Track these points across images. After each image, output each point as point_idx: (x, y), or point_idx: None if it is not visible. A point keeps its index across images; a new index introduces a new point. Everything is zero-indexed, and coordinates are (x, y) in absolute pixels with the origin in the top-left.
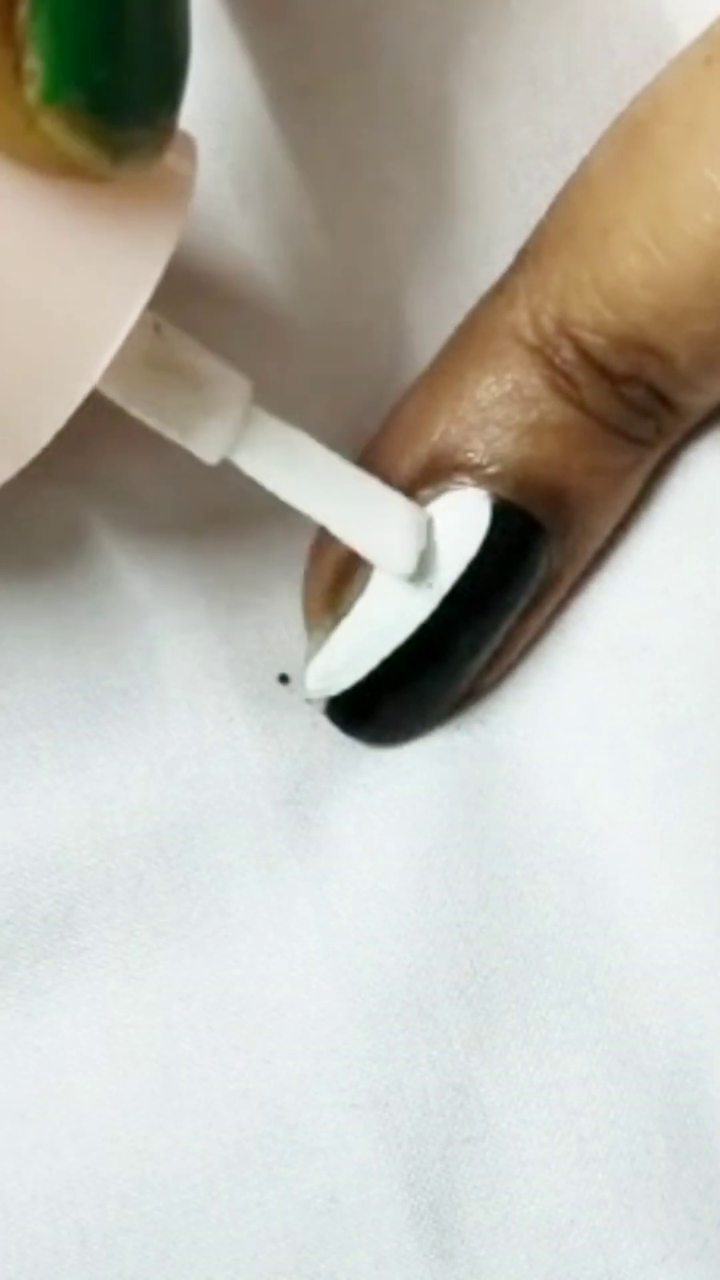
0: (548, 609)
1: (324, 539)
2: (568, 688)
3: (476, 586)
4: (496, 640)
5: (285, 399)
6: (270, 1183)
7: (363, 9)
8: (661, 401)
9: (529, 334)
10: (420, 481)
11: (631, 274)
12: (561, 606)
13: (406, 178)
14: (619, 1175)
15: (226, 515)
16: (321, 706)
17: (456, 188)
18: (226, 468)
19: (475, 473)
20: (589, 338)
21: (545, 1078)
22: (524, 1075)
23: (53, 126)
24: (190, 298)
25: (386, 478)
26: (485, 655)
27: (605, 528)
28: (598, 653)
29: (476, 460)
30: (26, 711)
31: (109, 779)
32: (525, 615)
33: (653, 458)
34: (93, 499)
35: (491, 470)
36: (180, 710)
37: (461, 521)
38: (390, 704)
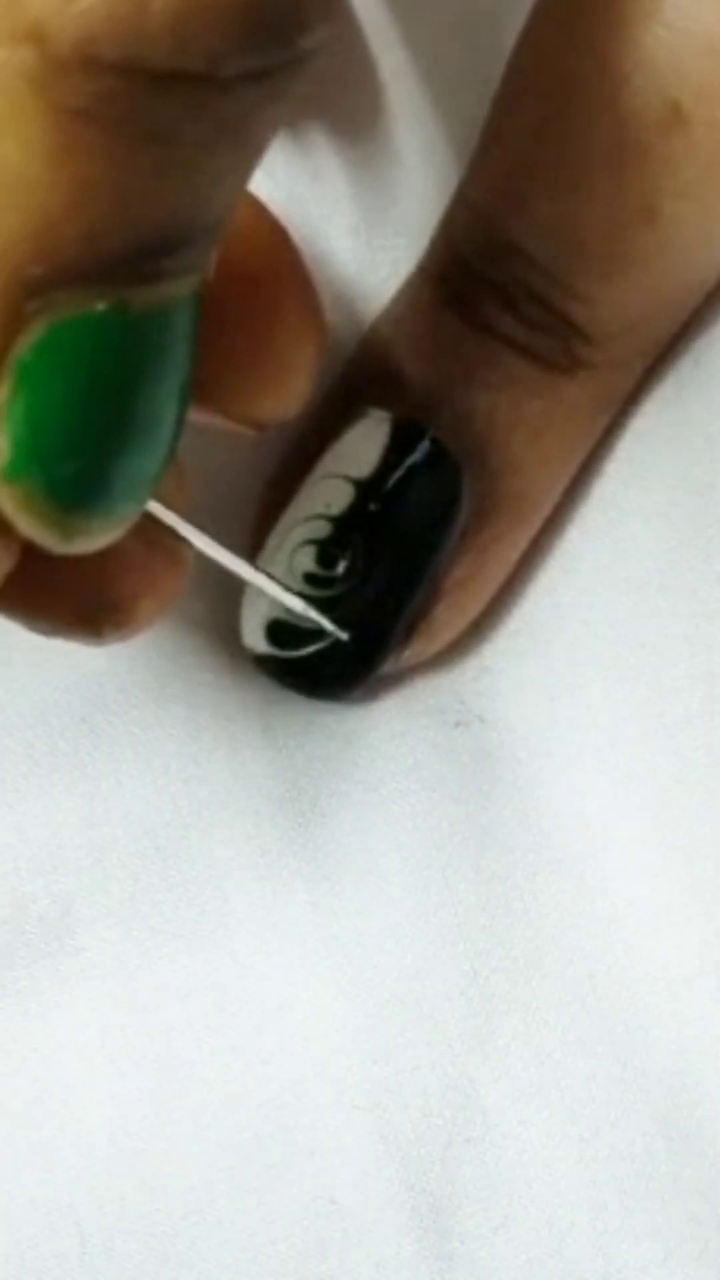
0: (488, 563)
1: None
2: (566, 686)
3: (377, 508)
4: (416, 580)
5: None
6: (270, 1184)
7: None
8: (554, 313)
9: (432, 264)
10: (339, 413)
11: (482, 173)
12: (560, 603)
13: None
14: (619, 1176)
15: (224, 513)
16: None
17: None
18: (225, 467)
19: (383, 399)
20: (468, 248)
21: (545, 1078)
22: (524, 1076)
23: (6, 501)
24: None
25: (322, 411)
26: (406, 596)
27: (537, 465)
28: (595, 650)
29: (385, 386)
30: (22, 710)
31: (105, 777)
32: (451, 564)
33: (580, 389)
34: None
35: (396, 394)
36: (177, 707)
37: (362, 443)
38: (310, 648)
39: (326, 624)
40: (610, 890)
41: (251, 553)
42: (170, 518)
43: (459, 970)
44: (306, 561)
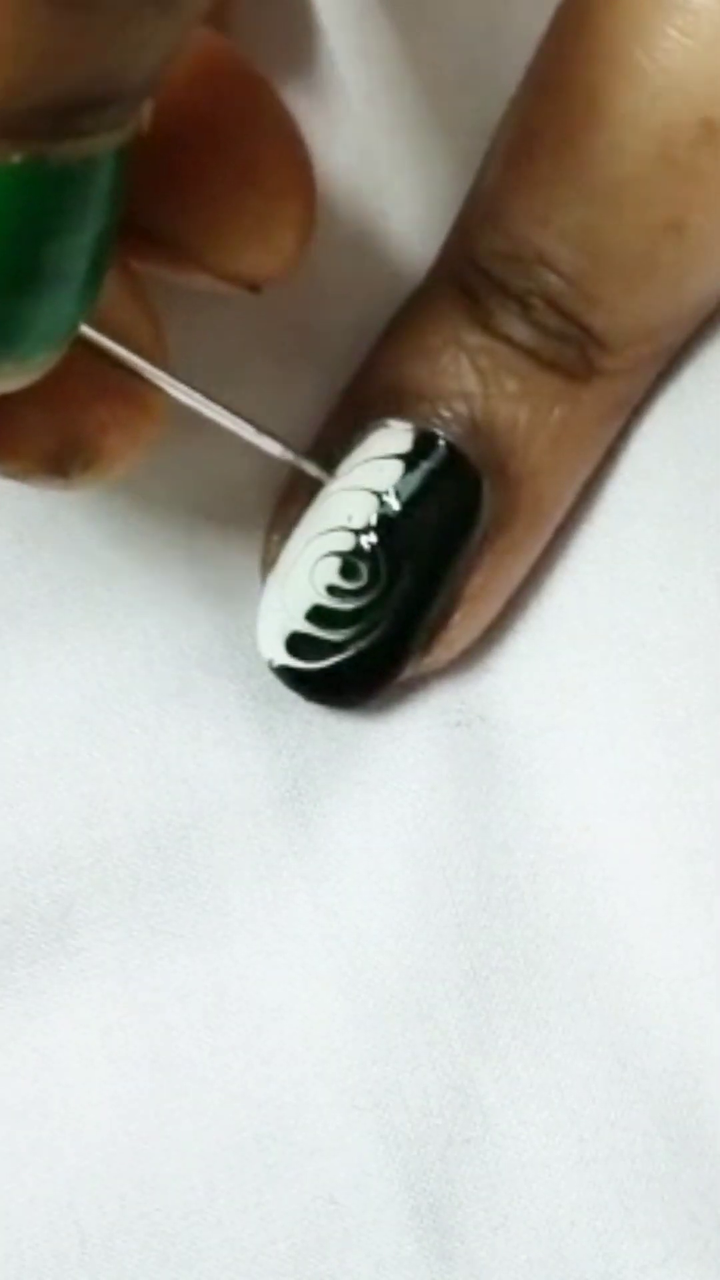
0: (504, 571)
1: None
2: (567, 686)
3: (399, 519)
4: (437, 590)
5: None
6: (270, 1183)
7: None
8: (574, 323)
9: (445, 273)
10: (353, 424)
11: (505, 183)
12: (561, 604)
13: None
14: (619, 1176)
15: (224, 512)
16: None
17: None
18: (225, 466)
19: (400, 410)
20: (487, 257)
21: (545, 1078)
22: (524, 1076)
23: None
24: None
25: (336, 423)
26: (427, 605)
27: (554, 472)
28: (597, 650)
29: (403, 396)
30: (23, 710)
31: (106, 778)
32: (470, 570)
33: (596, 396)
34: (89, 496)
35: (414, 403)
36: (178, 708)
37: (382, 455)
38: (330, 660)
39: (311, 468)
40: (610, 890)
41: (265, 565)
42: (132, 359)
43: (459, 970)
44: (330, 574)
